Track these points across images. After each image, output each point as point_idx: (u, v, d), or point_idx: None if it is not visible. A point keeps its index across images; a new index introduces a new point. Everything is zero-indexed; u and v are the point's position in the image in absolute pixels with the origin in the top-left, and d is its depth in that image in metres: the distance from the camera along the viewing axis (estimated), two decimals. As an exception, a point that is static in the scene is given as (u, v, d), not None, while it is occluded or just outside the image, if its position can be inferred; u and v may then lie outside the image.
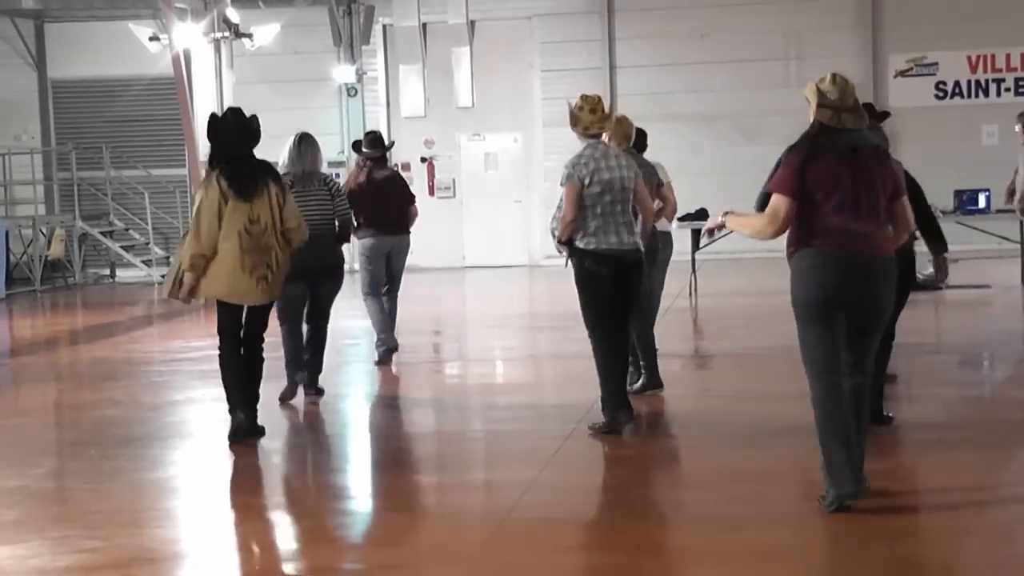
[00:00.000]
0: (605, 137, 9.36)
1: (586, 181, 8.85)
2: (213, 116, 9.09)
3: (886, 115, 9.49)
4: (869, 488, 6.71)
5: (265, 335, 9.13)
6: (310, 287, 10.27)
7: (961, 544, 6.27)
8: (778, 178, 6.73)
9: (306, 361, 10.47)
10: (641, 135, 11.60)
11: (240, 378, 8.98)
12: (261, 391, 9.12)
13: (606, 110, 9.06)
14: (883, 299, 6.71)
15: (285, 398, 10.41)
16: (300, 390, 10.50)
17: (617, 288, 8.95)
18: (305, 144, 10.45)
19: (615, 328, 8.97)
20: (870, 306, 6.67)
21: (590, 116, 8.95)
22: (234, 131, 8.90)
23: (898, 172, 7.07)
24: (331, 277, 10.44)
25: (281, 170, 10.02)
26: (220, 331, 9.06)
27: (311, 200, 10.21)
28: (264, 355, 9.14)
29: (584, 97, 9.05)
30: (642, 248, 9.09)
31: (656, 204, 10.40)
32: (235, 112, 9.10)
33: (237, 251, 8.74)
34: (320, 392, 10.55)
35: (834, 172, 6.63)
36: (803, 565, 6.08)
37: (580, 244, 8.90)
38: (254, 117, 9.09)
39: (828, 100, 6.73)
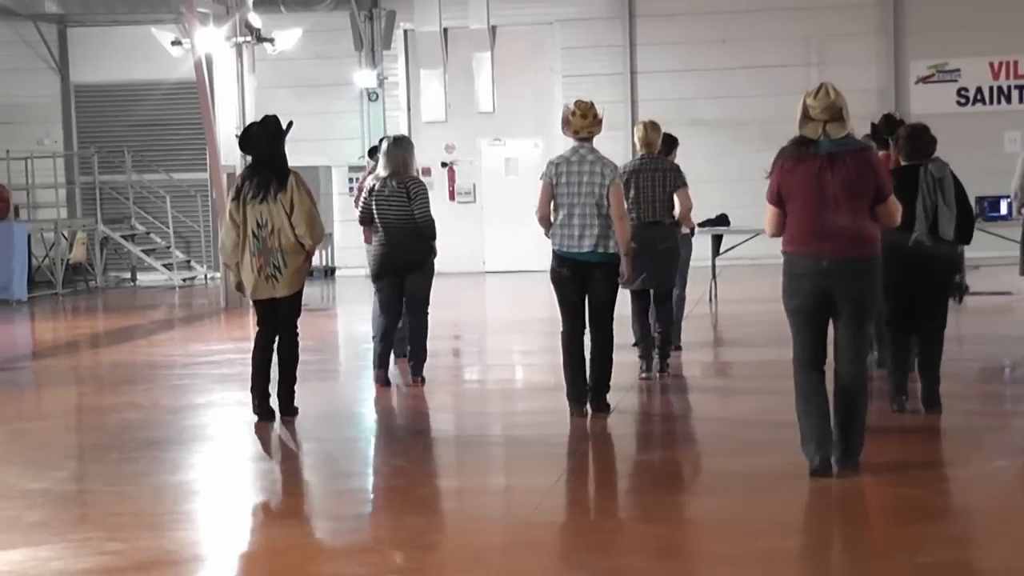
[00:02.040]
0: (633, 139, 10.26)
1: (554, 181, 9.39)
2: (249, 123, 9.96)
3: (897, 125, 9.74)
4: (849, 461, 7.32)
5: (298, 329, 9.78)
6: (399, 282, 11.16)
7: (983, 552, 6.26)
8: (768, 187, 7.35)
9: (408, 352, 11.47)
10: (668, 140, 11.93)
11: (259, 363, 9.73)
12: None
13: (598, 116, 9.48)
14: (861, 295, 7.23)
15: (377, 381, 11.22)
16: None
17: (581, 291, 9.45)
18: (393, 148, 11.22)
19: (572, 327, 9.51)
20: (849, 302, 7.22)
21: (580, 120, 9.45)
22: (256, 135, 9.57)
23: (882, 170, 7.39)
24: (415, 271, 11.14)
25: (378, 172, 11.18)
26: (257, 324, 9.97)
27: (391, 201, 11.04)
28: (294, 349, 9.73)
29: (578, 103, 9.55)
30: (609, 252, 9.32)
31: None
32: (264, 119, 9.71)
33: (248, 253, 9.56)
34: (422, 380, 11.29)
35: (810, 179, 7.16)
36: (822, 572, 6.07)
37: (551, 243, 9.46)
38: (275, 121, 9.63)
39: (813, 114, 7.18)
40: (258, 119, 9.79)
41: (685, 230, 12.18)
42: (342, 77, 25.08)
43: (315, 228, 9.49)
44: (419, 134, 25.49)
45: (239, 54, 20.09)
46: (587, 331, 9.60)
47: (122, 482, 8.15)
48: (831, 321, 7.35)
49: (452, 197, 25.60)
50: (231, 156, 19.80)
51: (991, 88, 24.25)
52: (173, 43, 21.27)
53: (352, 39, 24.97)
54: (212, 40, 19.82)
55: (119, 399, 11.51)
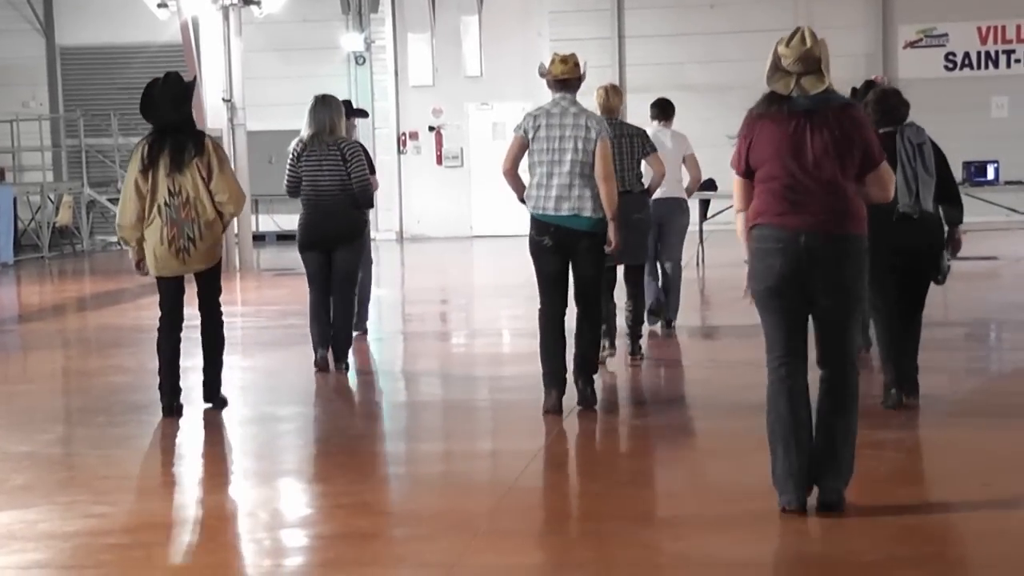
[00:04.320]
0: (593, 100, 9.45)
1: (530, 135, 8.46)
2: (149, 83, 8.81)
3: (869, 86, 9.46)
4: (835, 501, 6.10)
5: (221, 302, 9.00)
6: (327, 255, 10.20)
7: (966, 515, 6.28)
8: (734, 155, 6.26)
9: (331, 335, 10.27)
10: (664, 104, 11.94)
11: (168, 356, 8.81)
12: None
13: (579, 64, 8.67)
14: (845, 283, 6.00)
15: (318, 367, 10.22)
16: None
17: (563, 262, 8.46)
18: (318, 107, 10.18)
19: (552, 303, 8.52)
20: (833, 292, 6.00)
21: (561, 65, 8.58)
22: (159, 99, 8.65)
23: (871, 130, 6.23)
24: (346, 244, 10.24)
25: (301, 134, 10.11)
26: (159, 305, 8.92)
27: (323, 164, 10.09)
28: (220, 330, 8.93)
29: (555, 53, 8.81)
30: (595, 218, 8.36)
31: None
32: (166, 77, 8.80)
33: (159, 224, 8.58)
34: (345, 367, 10.39)
35: (783, 140, 6.01)
36: (805, 535, 6.09)
37: (527, 207, 8.53)
38: (178, 80, 8.77)
39: (784, 64, 6.02)
40: (159, 78, 8.79)
41: (682, 194, 12.03)
42: (329, 40, 24.99)
43: (238, 195, 8.64)
44: (406, 98, 25.45)
45: (226, 17, 19.99)
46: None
47: (108, 445, 8.16)
48: (810, 317, 6.12)
49: (439, 161, 25.57)
50: (218, 120, 19.74)
51: (979, 53, 24.24)
52: (159, 5, 21.16)
53: (339, 2, 24.86)
54: (198, 2, 19.73)
55: (105, 363, 11.51)
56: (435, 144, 25.60)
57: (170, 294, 8.80)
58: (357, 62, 25.46)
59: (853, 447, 6.13)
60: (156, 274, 8.72)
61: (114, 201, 25.21)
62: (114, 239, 25.58)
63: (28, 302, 17.71)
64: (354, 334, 10.85)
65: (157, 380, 8.83)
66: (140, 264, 8.77)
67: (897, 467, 7.09)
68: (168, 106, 8.60)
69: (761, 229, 6.07)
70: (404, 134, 25.64)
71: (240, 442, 8.45)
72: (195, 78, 9.04)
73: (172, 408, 8.74)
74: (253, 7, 20.86)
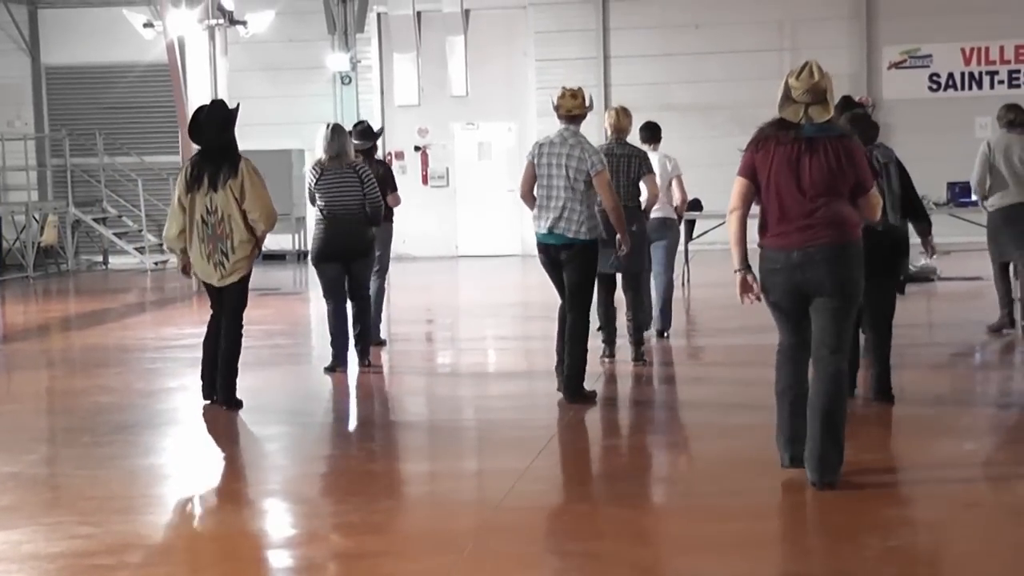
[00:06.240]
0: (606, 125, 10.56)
1: (536, 161, 9.45)
2: (197, 108, 9.65)
3: (851, 104, 9.65)
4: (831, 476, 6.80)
5: (243, 315, 9.70)
6: (344, 268, 11.15)
7: (951, 534, 6.30)
8: (741, 162, 6.92)
9: (355, 335, 11.30)
10: (653, 127, 12.29)
11: (211, 350, 9.70)
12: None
13: (586, 100, 9.51)
14: (836, 283, 6.72)
15: (331, 369, 11.13)
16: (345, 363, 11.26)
17: (558, 271, 9.48)
18: (333, 135, 11.10)
19: (563, 304, 9.49)
20: (825, 293, 6.74)
21: (571, 100, 9.48)
22: (205, 123, 9.39)
23: (864, 161, 6.91)
24: (362, 257, 11.22)
25: (317, 157, 11.13)
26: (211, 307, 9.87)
27: (341, 185, 11.02)
28: (238, 341, 9.63)
29: (565, 88, 9.61)
30: (569, 237, 9.31)
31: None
32: (212, 104, 9.70)
33: (197, 239, 9.49)
34: (368, 363, 11.31)
35: (786, 165, 6.73)
36: (794, 555, 6.11)
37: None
38: (222, 107, 9.62)
39: (794, 95, 6.77)
40: (207, 104, 9.70)
41: (671, 214, 12.47)
42: (315, 60, 25.00)
43: (269, 213, 9.39)
44: (392, 118, 25.46)
45: (211, 37, 20.00)
46: None
47: (94, 466, 8.14)
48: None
49: (425, 181, 25.57)
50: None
51: (963, 74, 24.33)
52: (145, 25, 21.19)
53: (325, 22, 24.89)
54: (184, 22, 19.74)
55: (91, 382, 11.48)
56: (421, 164, 25.61)
57: (212, 296, 9.74)
58: (343, 82, 25.47)
59: (842, 437, 6.81)
60: (201, 279, 9.70)
61: (99, 221, 25.21)
62: (98, 258, 25.59)
63: (12, 322, 17.66)
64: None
65: (199, 370, 9.78)
66: (186, 268, 9.75)
67: (882, 487, 7.09)
68: (212, 130, 9.37)
69: (766, 251, 6.89)
70: (390, 154, 25.64)
71: (223, 462, 8.43)
72: (238, 105, 9.67)
73: (214, 396, 9.64)
74: (239, 27, 20.89)
